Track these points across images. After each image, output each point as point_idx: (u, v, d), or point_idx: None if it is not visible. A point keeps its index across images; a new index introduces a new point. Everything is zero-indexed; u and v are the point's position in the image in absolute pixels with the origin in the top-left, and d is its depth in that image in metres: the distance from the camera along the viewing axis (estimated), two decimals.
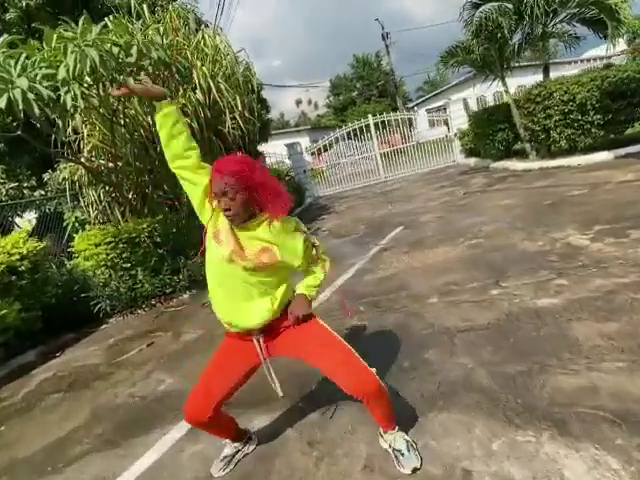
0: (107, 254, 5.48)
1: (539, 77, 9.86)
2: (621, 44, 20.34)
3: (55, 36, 4.51)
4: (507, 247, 4.18)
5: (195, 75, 6.45)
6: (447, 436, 1.88)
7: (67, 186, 6.75)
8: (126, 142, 6.30)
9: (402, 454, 1.74)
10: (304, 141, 21.28)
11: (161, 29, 5.98)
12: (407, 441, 1.79)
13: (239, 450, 2.08)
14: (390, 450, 1.80)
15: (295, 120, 52.24)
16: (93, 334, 5.10)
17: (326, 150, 15.54)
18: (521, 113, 8.91)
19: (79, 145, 6.60)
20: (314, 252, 1.77)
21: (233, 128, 7.15)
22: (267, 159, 13.84)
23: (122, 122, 5.85)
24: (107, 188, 6.56)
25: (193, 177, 1.69)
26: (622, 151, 7.32)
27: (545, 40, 8.77)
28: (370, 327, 3.19)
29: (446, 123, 15.08)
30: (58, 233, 7.42)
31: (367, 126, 14.63)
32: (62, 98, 4.20)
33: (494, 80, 9.75)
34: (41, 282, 5.08)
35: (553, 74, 9.75)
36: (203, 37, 7.18)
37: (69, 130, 6.30)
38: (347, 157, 15.41)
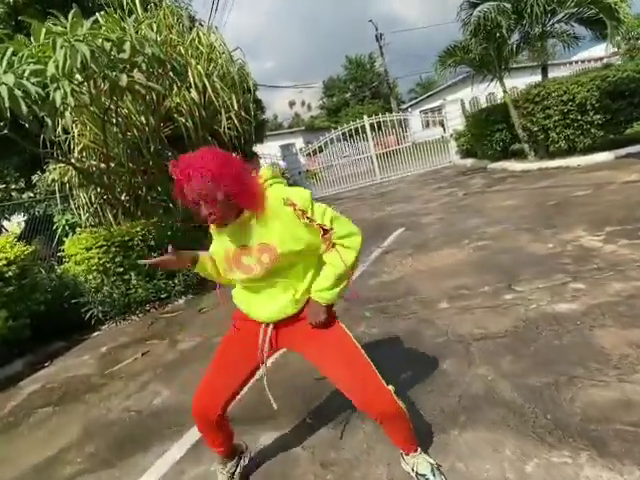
0: (99, 258, 5.28)
1: (532, 79, 9.83)
2: (611, 46, 20.54)
3: (44, 31, 4.32)
4: (516, 249, 4.05)
5: (190, 73, 6.27)
6: (474, 457, 1.72)
7: (57, 188, 6.54)
8: (118, 142, 6.11)
9: (427, 479, 1.59)
10: (298, 142, 21.17)
11: (154, 26, 5.81)
12: (431, 464, 1.63)
13: (233, 472, 1.89)
14: (413, 474, 1.64)
15: (288, 122, 52.11)
16: (84, 342, 4.90)
17: (321, 151, 15.40)
18: (519, 113, 8.83)
19: (69, 145, 6.39)
20: (323, 230, 1.46)
21: (229, 128, 6.98)
22: (261, 160, 13.67)
23: (114, 121, 5.66)
24: (98, 190, 6.35)
25: None
26: (622, 151, 7.25)
27: (544, 40, 8.71)
28: (378, 335, 3.04)
29: (442, 124, 15.01)
30: (47, 236, 7.20)
31: (362, 127, 14.52)
32: (51, 95, 4.01)
33: (492, 80, 9.67)
34: (29, 288, 4.87)
35: (532, 79, 9.75)
36: (198, 35, 7.01)
37: (59, 130, 6.09)
38: (343, 158, 15.28)
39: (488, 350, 2.47)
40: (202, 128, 6.62)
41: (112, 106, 5.34)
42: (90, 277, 5.34)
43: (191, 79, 6.37)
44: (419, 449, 1.66)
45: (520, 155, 9.84)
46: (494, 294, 3.20)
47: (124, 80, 4.42)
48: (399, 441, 1.65)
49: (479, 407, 2.01)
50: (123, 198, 6.36)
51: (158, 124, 6.19)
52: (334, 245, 1.50)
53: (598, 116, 7.40)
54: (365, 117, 14.63)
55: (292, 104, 59.52)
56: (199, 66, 6.63)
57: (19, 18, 4.82)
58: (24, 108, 3.92)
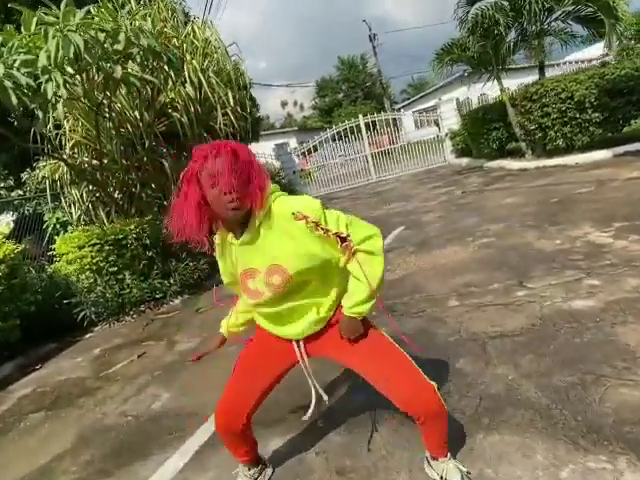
0: (92, 257, 5.10)
1: (526, 80, 9.82)
2: (599, 47, 20.67)
3: (35, 20, 4.15)
4: (522, 246, 3.97)
5: (185, 68, 6.12)
6: (503, 462, 1.62)
7: (47, 185, 6.34)
8: (112, 138, 5.93)
9: None
10: (291, 142, 21.01)
11: (148, 19, 5.65)
12: (462, 472, 1.52)
13: (257, 478, 1.79)
14: None
15: (280, 122, 51.94)
16: (77, 344, 4.73)
17: (316, 150, 15.29)
18: (517, 111, 8.79)
19: (60, 142, 6.20)
20: (340, 239, 1.30)
21: (225, 124, 6.83)
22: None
23: (107, 116, 5.49)
24: (91, 187, 6.17)
25: None
26: (621, 149, 7.23)
27: (541, 38, 8.68)
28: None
29: (437, 123, 14.99)
30: (37, 235, 6.98)
31: (357, 126, 14.44)
32: (42, 86, 3.85)
33: (489, 78, 9.63)
34: (19, 288, 4.68)
35: (528, 79, 9.75)
36: (193, 29, 6.87)
37: (49, 126, 5.90)
38: (338, 157, 15.18)
39: (505, 349, 2.37)
40: (198, 124, 6.46)
41: (105, 100, 5.18)
42: (82, 277, 5.16)
43: (186, 74, 6.23)
44: (449, 454, 1.54)
45: (517, 154, 9.81)
46: (505, 291, 3.10)
47: (119, 72, 4.27)
48: (433, 444, 1.53)
49: (502, 409, 1.91)
50: (116, 195, 6.18)
51: (153, 120, 6.03)
52: (354, 253, 1.34)
53: (596, 114, 7.38)
54: (360, 116, 14.57)
55: (284, 104, 59.40)
56: (194, 61, 6.48)
57: (9, 6, 4.63)
58: (14, 99, 3.75)
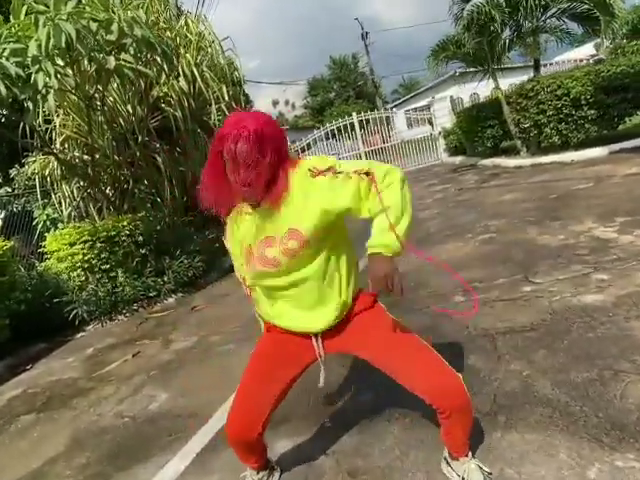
0: (83, 254, 4.97)
1: (518, 80, 9.81)
2: (589, 47, 20.89)
3: (24, 8, 4.01)
4: (525, 241, 3.91)
5: (179, 62, 6.00)
6: (525, 462, 1.54)
7: (37, 181, 6.17)
8: (104, 133, 5.79)
9: None
10: None
11: (142, 10, 5.51)
12: (484, 473, 1.44)
13: None
14: None
15: None
16: (68, 343, 4.60)
17: (309, 148, 15.19)
18: (512, 109, 8.78)
19: (51, 136, 6.04)
20: (364, 184, 1.22)
21: (219, 120, 6.71)
22: None
23: (99, 110, 5.34)
24: (82, 183, 6.02)
25: None
26: (616, 146, 7.23)
27: (536, 35, 8.68)
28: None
29: (430, 122, 14.97)
30: (27, 233, 6.80)
31: (351, 124, 14.38)
32: (33, 77, 3.72)
33: (484, 75, 9.61)
34: (8, 286, 4.54)
35: (521, 78, 9.76)
36: (186, 23, 6.74)
37: (40, 120, 5.74)
38: (332, 155, 15.10)
39: (517, 344, 2.30)
40: (191, 119, 6.35)
41: (97, 94, 5.04)
42: (74, 274, 5.03)
43: (180, 68, 6.10)
44: (470, 454, 1.46)
45: (511, 152, 9.80)
46: (511, 286, 3.04)
47: (112, 63, 4.15)
48: (456, 441, 1.43)
49: (519, 406, 1.84)
50: (108, 192, 6.03)
51: (146, 114, 5.90)
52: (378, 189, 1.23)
53: (592, 111, 7.38)
54: (354, 114, 14.50)
55: (276, 103, 59.15)
56: (188, 54, 6.37)
57: None
58: (3, 90, 3.62)
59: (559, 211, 4.57)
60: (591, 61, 10.90)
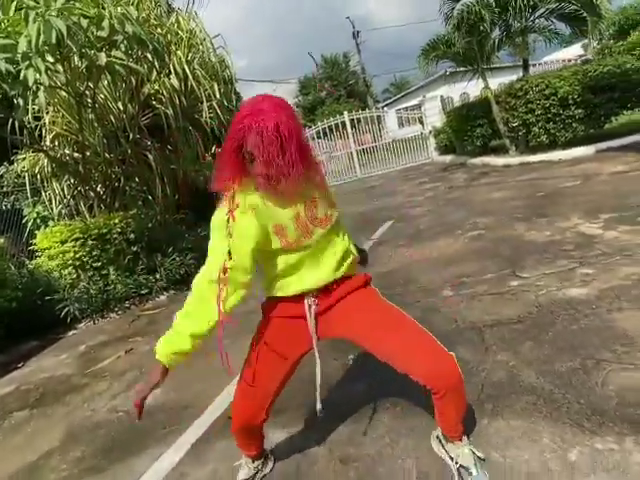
0: (75, 252, 4.96)
1: (507, 80, 9.94)
2: (577, 48, 21.20)
3: (14, 4, 3.99)
4: (512, 238, 4.00)
5: (170, 59, 5.99)
6: (510, 446, 1.60)
7: (27, 179, 6.13)
8: (94, 130, 5.77)
9: (470, 473, 1.45)
10: None
11: (132, 7, 5.50)
12: (476, 456, 1.49)
13: (259, 470, 1.74)
14: (453, 465, 1.50)
15: None
16: (60, 341, 4.59)
17: None
18: (501, 108, 8.89)
19: (40, 133, 6.00)
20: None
21: (210, 118, 6.72)
22: None
23: (90, 107, 5.32)
24: (73, 180, 5.99)
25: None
26: (603, 145, 7.36)
27: (525, 35, 8.80)
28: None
29: (420, 121, 15.08)
30: (16, 231, 6.75)
31: (342, 123, 14.44)
32: (23, 73, 3.70)
33: (474, 75, 9.71)
34: None
35: (511, 77, 9.88)
36: (177, 20, 6.73)
37: (29, 117, 5.70)
38: (323, 154, 15.15)
39: (504, 336, 2.37)
40: (183, 117, 6.34)
41: (87, 91, 5.02)
42: (65, 272, 5.01)
43: (171, 65, 6.09)
44: (465, 438, 1.51)
45: (500, 151, 9.92)
46: (499, 281, 3.11)
47: (103, 59, 4.14)
48: (450, 422, 1.47)
49: (505, 395, 1.90)
50: (99, 189, 6.01)
51: (137, 111, 5.89)
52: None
53: (579, 110, 7.50)
54: (345, 112, 14.57)
55: None
56: (179, 52, 6.36)
57: None
58: None
59: (546, 208, 4.66)
60: (578, 61, 11.05)
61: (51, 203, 6.17)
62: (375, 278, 3.61)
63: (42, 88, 3.99)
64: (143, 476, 2.01)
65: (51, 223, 6.02)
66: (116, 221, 5.25)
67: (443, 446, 1.56)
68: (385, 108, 29.68)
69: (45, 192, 6.16)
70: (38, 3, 3.96)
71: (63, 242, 4.96)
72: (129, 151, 5.93)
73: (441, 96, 14.28)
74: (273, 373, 1.47)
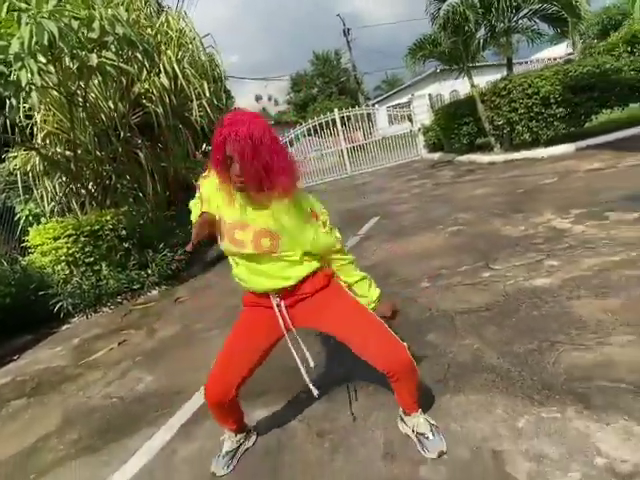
0: (67, 248, 5.07)
1: (495, 77, 10.15)
2: (564, 47, 21.50)
3: (5, 5, 4.09)
4: (490, 232, 4.19)
5: (160, 59, 6.09)
6: (468, 418, 1.79)
7: (19, 177, 6.21)
8: (86, 128, 5.87)
9: (427, 438, 1.64)
10: None
11: (122, 8, 5.60)
12: (431, 424, 1.68)
13: (241, 444, 1.91)
14: (413, 434, 1.69)
15: None
16: (54, 335, 4.71)
17: (292, 145, 15.34)
18: (486, 107, 9.10)
19: (32, 132, 6.08)
20: (333, 239, 1.60)
21: (200, 116, 6.83)
22: None
23: (81, 106, 5.43)
24: (64, 178, 6.09)
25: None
26: (583, 143, 7.61)
27: (509, 35, 9.00)
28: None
29: (410, 119, 15.27)
30: (8, 229, 6.83)
31: (333, 120, 14.57)
32: (16, 74, 3.81)
33: (460, 74, 9.91)
34: None
35: (500, 75, 10.08)
36: (167, 20, 6.82)
37: (20, 115, 5.78)
38: (314, 151, 15.30)
39: (472, 322, 2.56)
40: (173, 115, 6.45)
41: (79, 91, 5.12)
42: (58, 268, 5.12)
43: (161, 65, 6.20)
44: (420, 410, 1.70)
45: (486, 148, 10.13)
46: (473, 273, 3.30)
47: (94, 60, 4.26)
48: (406, 400, 1.68)
49: (467, 373, 2.09)
50: (90, 187, 6.12)
51: (127, 110, 5.99)
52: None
53: (560, 109, 7.72)
54: (335, 110, 14.70)
55: (259, 98, 58.72)
56: (169, 51, 6.46)
57: None
58: None
59: (523, 204, 4.86)
60: (561, 61, 11.29)
61: (43, 201, 6.26)
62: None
63: (34, 88, 4.10)
64: (136, 453, 2.16)
65: (43, 220, 6.11)
66: (108, 218, 5.37)
67: (403, 420, 1.74)
68: (376, 105, 29.83)
69: (37, 190, 6.25)
70: (29, 5, 4.08)
71: (56, 239, 5.06)
72: (120, 149, 6.04)
73: (429, 94, 14.45)
74: (246, 353, 1.65)
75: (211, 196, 1.54)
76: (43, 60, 4.24)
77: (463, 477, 1.52)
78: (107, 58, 4.52)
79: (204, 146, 7.80)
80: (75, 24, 4.09)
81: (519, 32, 9.10)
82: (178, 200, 6.81)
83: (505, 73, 9.87)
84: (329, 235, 1.58)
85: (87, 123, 5.81)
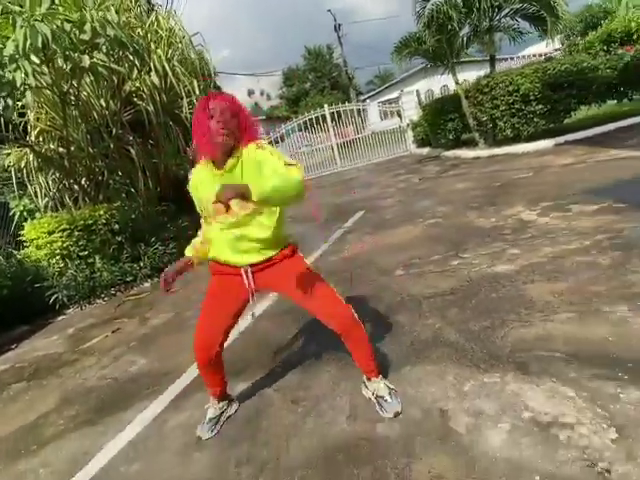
0: (62, 242, 5.26)
1: (482, 73, 10.39)
2: (550, 44, 21.78)
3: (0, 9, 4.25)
4: (464, 224, 4.44)
5: (150, 58, 6.26)
6: (422, 384, 2.04)
7: (13, 173, 6.37)
8: (78, 126, 6.03)
9: (385, 400, 1.88)
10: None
11: (112, 9, 5.75)
12: (390, 388, 1.93)
13: (224, 411, 2.15)
14: (373, 398, 1.93)
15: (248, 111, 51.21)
16: (50, 325, 4.91)
17: (282, 140, 15.52)
18: (470, 103, 9.35)
19: (25, 129, 6.24)
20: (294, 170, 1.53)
21: (190, 113, 7.00)
22: None
23: (74, 105, 5.60)
24: (58, 174, 6.26)
25: None
26: (562, 139, 7.89)
27: (491, 34, 9.24)
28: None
29: (399, 114, 15.49)
30: (3, 224, 6.98)
31: (323, 116, 14.76)
32: (11, 75, 3.98)
33: (445, 71, 10.15)
34: None
35: (487, 71, 10.32)
36: (157, 19, 6.98)
37: (14, 113, 5.93)
38: (304, 147, 15.48)
39: (437, 305, 2.81)
40: (163, 113, 6.63)
41: (71, 90, 5.29)
42: (53, 261, 5.32)
43: (151, 63, 6.36)
44: (380, 376, 1.95)
45: (471, 144, 10.40)
46: (443, 261, 3.55)
47: (86, 61, 4.44)
48: (364, 364, 1.93)
49: (427, 348, 2.33)
50: (83, 183, 6.29)
51: (119, 108, 6.16)
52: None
53: (540, 106, 7.99)
54: (325, 106, 14.88)
55: (251, 93, 58.67)
56: (159, 50, 6.62)
57: None
58: None
59: (498, 197, 5.12)
60: (543, 58, 11.55)
61: (37, 196, 6.43)
62: (340, 262, 4.15)
63: (29, 89, 4.27)
64: (130, 424, 2.39)
65: (38, 215, 6.28)
66: (101, 213, 5.56)
67: (366, 385, 1.99)
68: (368, 100, 30.07)
69: (31, 186, 6.41)
70: (23, 8, 4.24)
71: (50, 233, 5.25)
72: (112, 146, 6.21)
73: (417, 90, 14.65)
74: (220, 319, 1.90)
75: (197, 185, 1.81)
76: (37, 61, 4.42)
77: (413, 432, 1.77)
78: (98, 59, 4.70)
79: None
80: (67, 26, 4.27)
81: (501, 30, 9.34)
82: (169, 195, 7.00)
83: (496, 68, 10.12)
84: (290, 168, 1.53)
85: (79, 121, 5.97)
